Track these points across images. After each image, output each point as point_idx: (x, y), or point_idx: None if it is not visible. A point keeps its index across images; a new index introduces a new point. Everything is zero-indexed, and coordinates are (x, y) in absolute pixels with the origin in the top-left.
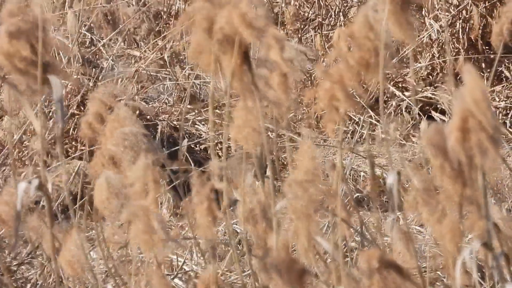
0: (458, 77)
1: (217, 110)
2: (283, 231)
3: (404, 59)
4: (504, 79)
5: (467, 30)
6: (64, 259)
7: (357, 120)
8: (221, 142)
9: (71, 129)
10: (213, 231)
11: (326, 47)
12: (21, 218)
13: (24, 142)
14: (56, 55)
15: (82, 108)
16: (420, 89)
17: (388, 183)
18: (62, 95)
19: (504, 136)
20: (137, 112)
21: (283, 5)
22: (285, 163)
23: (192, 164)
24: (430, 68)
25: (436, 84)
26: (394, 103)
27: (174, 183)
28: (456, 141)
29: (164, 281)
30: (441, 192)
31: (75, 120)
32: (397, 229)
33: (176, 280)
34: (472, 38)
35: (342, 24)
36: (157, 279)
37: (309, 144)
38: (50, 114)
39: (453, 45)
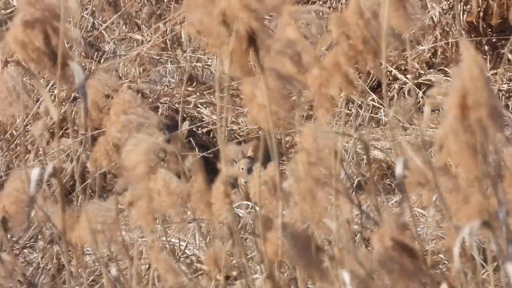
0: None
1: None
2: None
3: (406, 42)
4: (506, 61)
5: (467, 13)
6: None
7: (360, 103)
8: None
9: (72, 113)
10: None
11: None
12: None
13: (27, 127)
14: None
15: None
16: (423, 72)
17: (397, 173)
18: (84, 80)
19: (508, 118)
20: (139, 95)
21: None
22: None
23: (196, 148)
24: (433, 50)
25: (439, 67)
26: (396, 86)
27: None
28: (455, 119)
29: (168, 264)
30: (452, 171)
31: (77, 104)
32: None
33: (178, 264)
34: (474, 21)
35: (344, 6)
36: (161, 262)
37: (312, 127)
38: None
39: (454, 28)
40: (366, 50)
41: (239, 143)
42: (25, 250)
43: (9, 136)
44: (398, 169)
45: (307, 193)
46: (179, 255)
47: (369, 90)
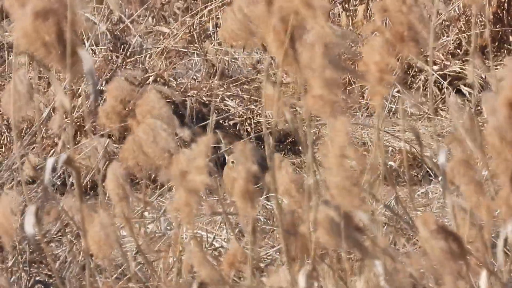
0: (485, 51)
1: (245, 86)
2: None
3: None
4: None
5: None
6: (91, 238)
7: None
8: (250, 118)
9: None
10: (255, 208)
11: (352, 23)
12: (49, 193)
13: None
14: (84, 33)
15: None
16: (448, 63)
17: (440, 163)
18: (93, 67)
19: None
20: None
21: None
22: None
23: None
24: (457, 41)
25: (464, 58)
26: (422, 77)
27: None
28: (505, 119)
29: (202, 255)
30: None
31: (104, 97)
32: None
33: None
34: (499, 12)
35: None
36: (195, 255)
37: (343, 120)
38: (79, 92)
39: (479, 19)
40: (410, 37)
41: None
42: (52, 244)
43: (35, 129)
44: (441, 159)
45: (344, 185)
46: (207, 247)
47: (395, 81)
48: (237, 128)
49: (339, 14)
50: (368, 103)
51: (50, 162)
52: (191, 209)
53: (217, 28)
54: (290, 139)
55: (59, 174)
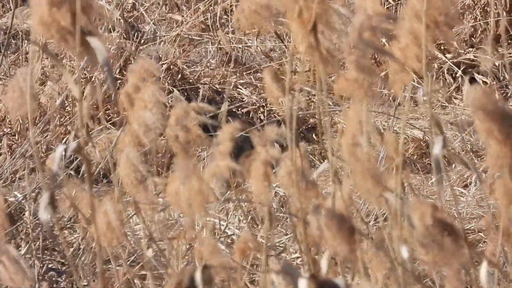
0: (500, 39)
1: (258, 74)
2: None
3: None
4: None
5: None
6: (99, 227)
7: None
8: (263, 106)
9: (113, 94)
10: (269, 196)
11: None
12: (57, 181)
13: (66, 108)
14: (98, 20)
15: (125, 73)
16: (462, 51)
17: (434, 152)
18: (107, 57)
19: None
20: (179, 75)
21: None
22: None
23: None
24: (472, 30)
25: (478, 46)
26: (435, 65)
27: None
28: None
29: (213, 244)
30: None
31: (118, 85)
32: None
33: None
34: None
35: None
36: (207, 244)
37: (357, 108)
38: (92, 79)
39: (494, 7)
40: (445, 22)
41: (279, 122)
42: (64, 231)
43: (49, 116)
44: (436, 149)
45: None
46: (220, 235)
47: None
48: (250, 116)
49: None
50: (381, 91)
51: (59, 150)
52: (204, 196)
53: (231, 16)
54: (303, 127)
55: (71, 161)
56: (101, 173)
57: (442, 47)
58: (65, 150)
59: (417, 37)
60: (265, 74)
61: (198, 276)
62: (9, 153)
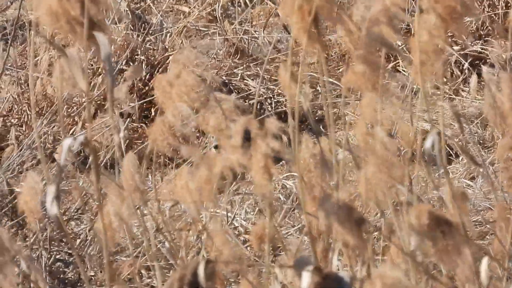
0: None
1: (266, 65)
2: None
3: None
4: None
5: None
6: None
7: (407, 75)
8: (270, 97)
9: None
10: (270, 189)
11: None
12: (64, 173)
13: (74, 98)
14: (105, 12)
15: (131, 64)
16: (469, 43)
17: (425, 147)
18: (110, 52)
19: None
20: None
21: None
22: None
23: None
24: (480, 21)
25: (486, 38)
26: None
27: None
28: None
29: (224, 236)
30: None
31: (124, 76)
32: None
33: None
34: None
35: None
36: (218, 235)
37: (371, 98)
38: (99, 70)
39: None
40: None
41: (285, 114)
42: (72, 222)
43: (56, 107)
44: (427, 143)
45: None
46: (227, 226)
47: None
48: (257, 107)
49: None
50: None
51: (66, 143)
52: (211, 187)
53: (238, 8)
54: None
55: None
56: (108, 163)
57: (449, 39)
58: (73, 142)
59: (431, 32)
60: (281, 69)
61: (201, 270)
62: (17, 144)
